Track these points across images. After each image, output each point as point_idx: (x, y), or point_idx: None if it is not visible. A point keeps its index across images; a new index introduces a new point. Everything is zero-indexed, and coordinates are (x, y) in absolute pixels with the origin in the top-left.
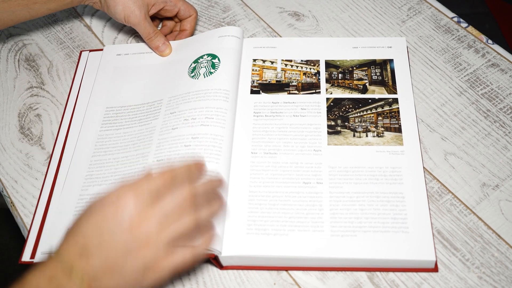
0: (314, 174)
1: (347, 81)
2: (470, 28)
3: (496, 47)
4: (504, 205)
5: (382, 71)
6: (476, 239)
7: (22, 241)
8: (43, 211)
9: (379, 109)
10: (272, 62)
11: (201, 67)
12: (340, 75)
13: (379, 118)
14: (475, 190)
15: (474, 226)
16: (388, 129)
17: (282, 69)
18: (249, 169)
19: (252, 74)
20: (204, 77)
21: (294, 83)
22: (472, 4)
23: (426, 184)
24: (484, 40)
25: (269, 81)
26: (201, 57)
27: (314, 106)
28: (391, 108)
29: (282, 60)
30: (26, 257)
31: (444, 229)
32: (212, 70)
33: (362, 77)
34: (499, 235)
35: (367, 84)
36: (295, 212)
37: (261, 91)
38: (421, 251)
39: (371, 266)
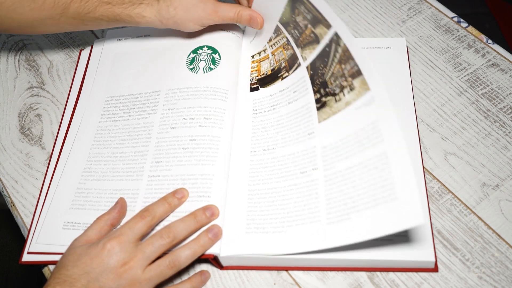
0: (309, 160)
1: (304, 36)
2: (470, 28)
3: (496, 47)
4: (504, 205)
5: (308, 8)
6: (476, 239)
7: (23, 242)
8: (41, 210)
9: (335, 55)
10: (264, 51)
11: (201, 60)
12: (296, 32)
13: (342, 66)
14: (475, 190)
15: (474, 226)
16: (352, 76)
17: (272, 53)
18: (248, 167)
19: (251, 71)
20: (204, 72)
21: (283, 65)
22: (472, 4)
23: (426, 184)
24: (484, 40)
25: (266, 74)
26: (201, 47)
27: (301, 83)
28: (341, 47)
29: (268, 42)
30: (26, 257)
31: (444, 229)
32: (212, 66)
33: (303, 22)
34: (499, 235)
35: (311, 27)
36: (292, 206)
37: (259, 87)
38: (421, 252)
39: (371, 266)
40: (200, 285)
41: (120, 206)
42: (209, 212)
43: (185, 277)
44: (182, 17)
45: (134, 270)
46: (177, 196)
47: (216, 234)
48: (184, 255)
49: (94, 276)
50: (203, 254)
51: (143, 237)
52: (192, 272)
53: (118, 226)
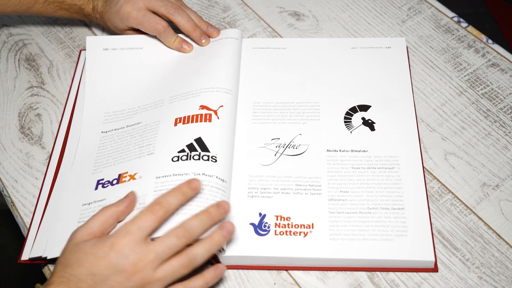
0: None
1: None
2: (470, 28)
3: (496, 47)
4: (504, 205)
5: None
6: (476, 239)
7: (23, 241)
8: (42, 210)
9: None
10: None
11: None
12: None
13: None
14: (475, 190)
15: (474, 226)
16: None
17: None
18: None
19: None
20: None
21: None
22: (472, 4)
23: (426, 184)
24: (484, 40)
25: None
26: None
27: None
28: None
29: None
30: (25, 256)
31: (444, 229)
32: None
33: None
34: (499, 235)
35: None
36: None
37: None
38: (420, 252)
39: (371, 266)
40: (214, 280)
41: (130, 200)
42: (222, 209)
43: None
44: (122, 8)
45: (145, 272)
46: (191, 186)
47: (230, 232)
48: (200, 253)
49: (101, 278)
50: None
51: (152, 233)
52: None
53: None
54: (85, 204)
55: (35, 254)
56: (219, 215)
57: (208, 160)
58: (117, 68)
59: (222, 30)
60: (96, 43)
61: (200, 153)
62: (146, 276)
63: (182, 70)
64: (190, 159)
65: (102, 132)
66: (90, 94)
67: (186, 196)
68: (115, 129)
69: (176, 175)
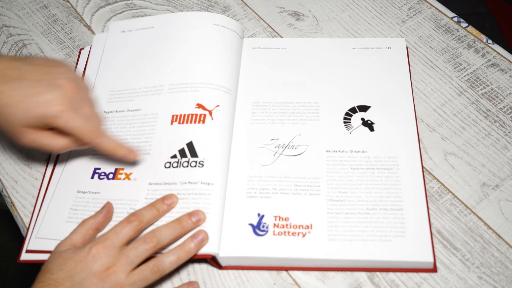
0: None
1: None
2: (470, 28)
3: (496, 47)
4: (504, 205)
5: None
6: (476, 239)
7: (22, 242)
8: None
9: None
10: None
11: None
12: None
13: None
14: (475, 190)
15: (474, 226)
16: None
17: None
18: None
19: None
20: None
21: None
22: (472, 4)
23: (425, 184)
24: (484, 40)
25: None
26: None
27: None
28: None
29: None
30: (24, 256)
31: (444, 229)
32: None
33: None
34: (499, 235)
35: None
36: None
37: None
38: (419, 253)
39: (371, 267)
40: None
41: (107, 210)
42: (195, 217)
43: (184, 277)
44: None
45: (117, 275)
46: (166, 202)
47: (201, 240)
48: (168, 260)
49: (78, 280)
50: (193, 258)
51: (129, 241)
52: (191, 272)
53: (105, 230)
54: (80, 192)
55: (32, 247)
56: (191, 223)
57: (195, 166)
58: (128, 48)
59: (228, 17)
60: (116, 27)
61: (189, 159)
62: (118, 280)
63: (185, 53)
64: (179, 166)
65: (105, 112)
66: (101, 74)
67: (161, 211)
68: (116, 111)
69: (166, 183)
